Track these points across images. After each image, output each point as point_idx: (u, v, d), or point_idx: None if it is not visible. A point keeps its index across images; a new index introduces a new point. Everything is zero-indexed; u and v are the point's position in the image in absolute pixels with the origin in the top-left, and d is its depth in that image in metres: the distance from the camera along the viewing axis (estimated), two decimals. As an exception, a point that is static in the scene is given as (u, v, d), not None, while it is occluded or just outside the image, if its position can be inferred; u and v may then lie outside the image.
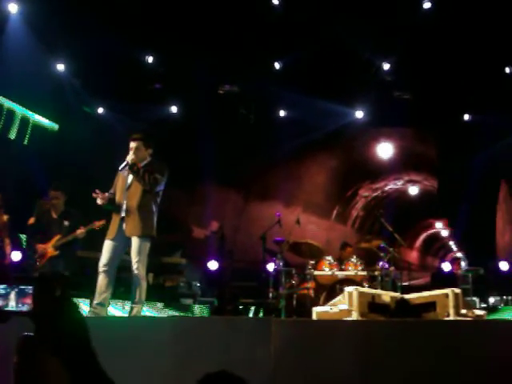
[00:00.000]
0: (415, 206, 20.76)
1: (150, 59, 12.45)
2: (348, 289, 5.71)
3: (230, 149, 13.88)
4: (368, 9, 10.90)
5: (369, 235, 11.77)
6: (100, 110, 13.14)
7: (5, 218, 8.32)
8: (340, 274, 9.28)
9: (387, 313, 5.73)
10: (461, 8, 10.72)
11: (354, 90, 12.87)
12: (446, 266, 12.04)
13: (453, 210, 13.65)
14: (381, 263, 9.40)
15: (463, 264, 10.68)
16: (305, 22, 11.25)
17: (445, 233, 25.25)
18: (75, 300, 1.66)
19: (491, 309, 9.85)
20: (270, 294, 9.75)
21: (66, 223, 8.14)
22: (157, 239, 6.77)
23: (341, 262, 9.58)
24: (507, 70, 11.95)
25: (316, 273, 9.36)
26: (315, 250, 9.94)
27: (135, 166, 6.64)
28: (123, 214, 6.63)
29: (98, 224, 7.73)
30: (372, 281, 9.28)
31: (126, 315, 7.46)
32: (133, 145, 6.79)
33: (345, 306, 5.62)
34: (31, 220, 8.38)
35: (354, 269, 9.34)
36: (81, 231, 7.93)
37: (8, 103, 11.36)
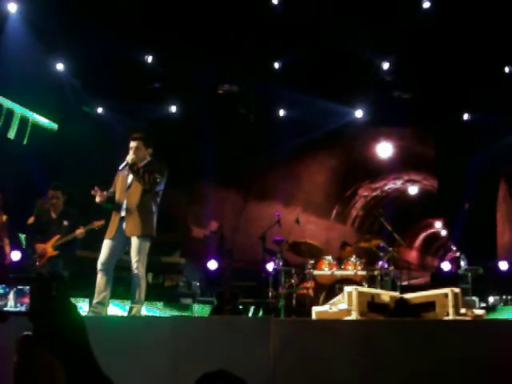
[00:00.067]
0: (415, 206, 20.76)
1: (150, 59, 12.46)
2: (347, 288, 5.71)
3: (229, 148, 13.88)
4: (368, 9, 10.90)
5: (368, 235, 11.76)
6: (99, 110, 13.13)
7: (4, 217, 8.33)
8: (339, 273, 9.29)
9: (386, 312, 5.73)
10: (460, 7, 10.73)
11: (353, 89, 12.87)
12: (446, 266, 12.04)
13: (452, 209, 13.66)
14: (380, 263, 9.40)
15: (462, 263, 10.67)
16: (304, 22, 11.25)
17: (444, 232, 25.24)
18: (72, 300, 1.67)
19: (488, 308, 9.84)
20: (270, 294, 9.76)
21: (66, 223, 8.13)
22: (156, 239, 6.78)
23: (340, 261, 9.58)
24: (506, 69, 11.96)
25: (315, 272, 9.37)
26: (315, 249, 9.95)
27: (135, 166, 6.65)
28: (123, 214, 6.63)
29: (97, 224, 7.74)
30: (371, 280, 9.29)
31: (126, 314, 7.47)
32: (133, 144, 6.79)
33: (344, 305, 5.62)
34: (31, 220, 8.38)
35: (353, 268, 9.35)
36: (80, 231, 7.93)
37: (7, 103, 11.36)
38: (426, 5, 11.03)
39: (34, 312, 1.58)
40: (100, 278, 6.52)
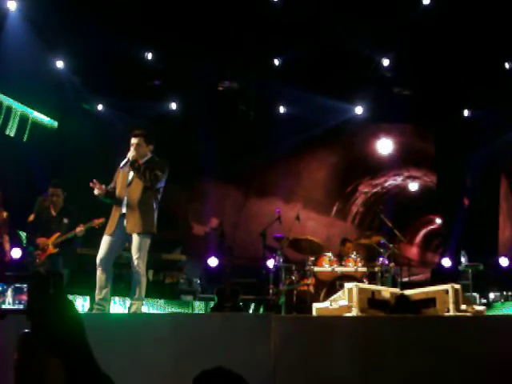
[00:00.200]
0: (415, 202, 20.72)
1: (149, 56, 12.44)
2: (348, 285, 5.71)
3: (229, 145, 13.88)
4: (367, 5, 10.89)
5: (369, 231, 11.78)
6: (99, 107, 13.12)
7: (4, 214, 8.33)
8: (340, 270, 9.30)
9: (387, 309, 5.73)
10: (460, 4, 10.72)
11: (353, 86, 12.87)
12: (446, 262, 12.04)
13: (451, 205, 13.65)
14: (381, 259, 9.41)
15: (463, 260, 10.67)
16: (304, 18, 11.23)
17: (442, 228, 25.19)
18: (70, 297, 1.67)
19: (484, 305, 9.86)
20: (270, 291, 9.78)
21: (66, 221, 8.14)
22: (157, 236, 6.77)
23: (341, 258, 9.60)
24: (507, 65, 11.94)
25: (316, 269, 9.38)
26: (315, 246, 9.96)
27: (136, 163, 6.64)
28: (124, 211, 6.63)
29: (97, 222, 7.73)
30: (372, 277, 9.29)
31: (126, 311, 7.47)
32: (134, 141, 6.77)
33: (345, 302, 5.62)
34: (31, 217, 8.38)
35: (353, 265, 9.36)
36: (80, 229, 7.93)
37: (7, 100, 11.35)
38: (426, 1, 11.01)
39: (31, 310, 1.58)
40: (100, 275, 6.52)
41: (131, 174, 6.72)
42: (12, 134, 11.56)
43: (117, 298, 9.03)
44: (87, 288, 8.18)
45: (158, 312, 9.61)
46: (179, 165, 10.10)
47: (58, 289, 1.58)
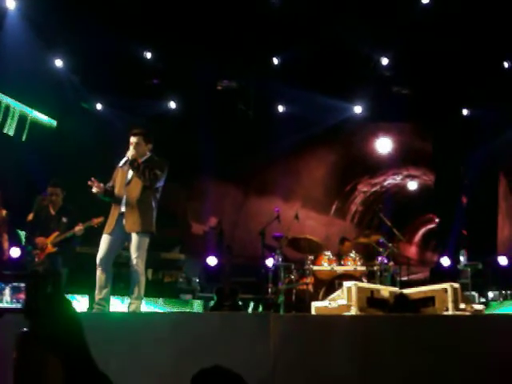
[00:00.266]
0: (414, 201, 20.74)
1: (149, 55, 12.43)
2: (347, 284, 5.71)
3: (228, 144, 13.88)
4: (367, 5, 10.89)
5: (368, 230, 11.79)
6: (98, 106, 13.12)
7: (3, 213, 8.33)
8: (339, 269, 9.30)
9: (386, 308, 5.74)
10: (459, 3, 10.71)
11: (352, 85, 12.86)
12: (445, 261, 12.05)
13: (450, 204, 13.65)
14: (380, 258, 9.41)
15: (462, 258, 10.68)
16: (304, 18, 11.24)
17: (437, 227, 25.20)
18: (67, 296, 1.67)
19: (485, 304, 9.86)
20: (269, 290, 9.78)
21: (64, 220, 8.13)
22: (156, 235, 6.77)
23: (340, 257, 9.60)
24: (506, 64, 11.94)
25: (315, 268, 9.38)
26: (314, 245, 9.95)
27: (136, 162, 6.63)
28: (123, 210, 6.62)
29: (96, 221, 7.73)
30: (371, 276, 9.29)
31: (125, 311, 7.47)
32: (133, 140, 6.77)
33: (344, 301, 5.62)
34: (30, 216, 8.37)
35: (352, 264, 9.36)
36: (79, 228, 7.92)
37: (6, 99, 11.34)
38: (425, 0, 11.01)
39: (29, 309, 1.58)
40: (100, 274, 6.51)
41: (130, 172, 6.71)
42: (11, 134, 11.56)
43: (116, 297, 9.02)
44: (86, 287, 8.18)
45: (157, 311, 9.60)
46: (178, 164, 10.07)
47: (56, 288, 1.58)
